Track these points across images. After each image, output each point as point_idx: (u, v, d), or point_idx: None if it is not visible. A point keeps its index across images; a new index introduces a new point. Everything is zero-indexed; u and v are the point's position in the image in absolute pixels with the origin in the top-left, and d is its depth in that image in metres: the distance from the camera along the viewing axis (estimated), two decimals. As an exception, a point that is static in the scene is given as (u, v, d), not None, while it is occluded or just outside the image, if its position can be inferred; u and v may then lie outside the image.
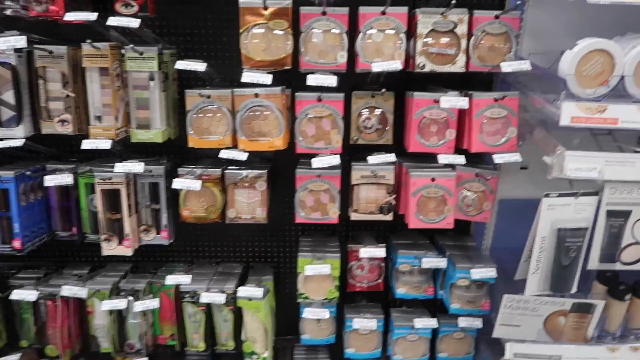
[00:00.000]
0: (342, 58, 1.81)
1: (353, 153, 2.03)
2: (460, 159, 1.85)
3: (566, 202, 1.64)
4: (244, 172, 1.94)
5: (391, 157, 1.87)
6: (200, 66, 1.71)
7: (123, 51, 1.81)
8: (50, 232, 2.07)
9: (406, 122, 1.96)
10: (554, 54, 1.94)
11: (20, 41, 1.67)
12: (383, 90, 1.96)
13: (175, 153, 2.13)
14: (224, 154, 1.81)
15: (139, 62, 1.81)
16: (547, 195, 1.63)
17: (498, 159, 1.81)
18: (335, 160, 1.84)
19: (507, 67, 1.72)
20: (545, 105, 1.72)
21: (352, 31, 1.82)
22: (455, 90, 1.89)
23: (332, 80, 1.70)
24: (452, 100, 1.76)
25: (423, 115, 1.86)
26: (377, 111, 2.00)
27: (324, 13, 1.78)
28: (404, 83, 2.01)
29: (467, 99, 1.78)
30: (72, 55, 1.82)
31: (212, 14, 2.04)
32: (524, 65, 1.71)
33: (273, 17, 1.76)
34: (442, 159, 1.85)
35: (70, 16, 1.64)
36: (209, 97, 1.86)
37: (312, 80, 1.71)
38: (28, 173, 1.93)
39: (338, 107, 1.84)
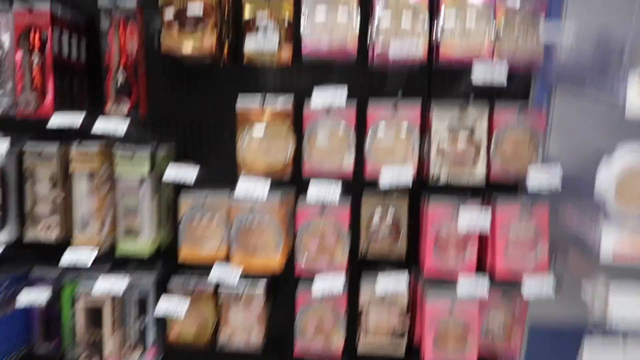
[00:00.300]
0: (349, 161, 1.64)
1: (362, 264, 1.81)
2: (483, 288, 1.60)
3: (613, 345, 1.37)
4: (240, 289, 1.74)
5: (403, 279, 1.64)
6: (191, 173, 1.56)
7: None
8: (29, 344, 1.88)
9: (421, 235, 1.74)
10: (586, 155, 1.73)
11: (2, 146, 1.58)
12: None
13: (170, 258, 1.95)
14: (216, 272, 1.62)
15: (129, 165, 1.68)
16: (588, 338, 1.37)
17: (528, 286, 1.55)
18: (339, 282, 1.61)
19: (535, 180, 1.50)
20: (580, 225, 1.49)
21: (360, 131, 1.66)
22: (477, 197, 1.69)
23: (335, 194, 1.52)
24: (473, 217, 1.54)
25: (440, 229, 1.64)
26: (390, 217, 1.80)
27: (328, 112, 1.63)
28: (419, 183, 1.81)
29: (489, 216, 1.55)
30: (63, 153, 1.71)
31: (213, 109, 1.91)
32: (554, 179, 1.49)
33: (273, 119, 1.62)
34: (462, 287, 1.60)
35: (56, 121, 1.53)
36: (204, 203, 1.70)
37: (314, 193, 1.52)
38: (7, 283, 1.78)
39: (343, 219, 1.65)
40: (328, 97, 1.46)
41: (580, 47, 1.61)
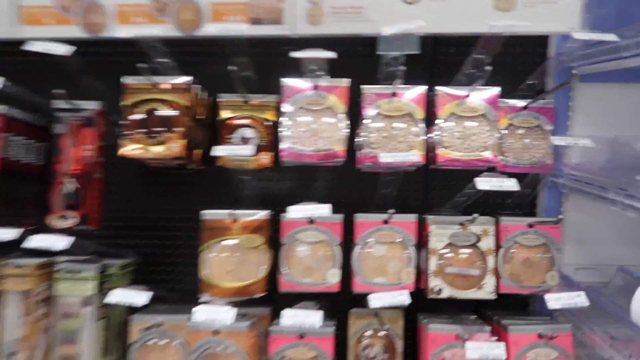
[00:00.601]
0: (334, 277, 1.41)
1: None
2: None
3: None
4: None
5: None
6: (140, 297, 1.30)
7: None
8: None
9: (421, 362, 1.47)
10: (604, 268, 1.52)
11: None
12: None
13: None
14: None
15: (72, 284, 1.42)
16: None
17: None
18: None
19: (555, 302, 1.26)
20: (612, 353, 1.24)
21: (347, 242, 1.44)
22: (479, 315, 1.45)
23: (315, 320, 1.26)
24: (483, 348, 1.28)
25: (442, 357, 1.38)
26: (382, 335, 1.53)
27: (311, 222, 1.42)
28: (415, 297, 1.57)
29: (502, 345, 1.29)
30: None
31: (180, 217, 1.69)
32: (580, 300, 1.26)
33: (245, 231, 1.40)
34: None
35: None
36: (160, 326, 1.43)
37: (289, 319, 1.26)
38: None
39: (326, 347, 1.37)
40: (307, 212, 1.24)
41: (593, 151, 1.46)
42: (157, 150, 1.34)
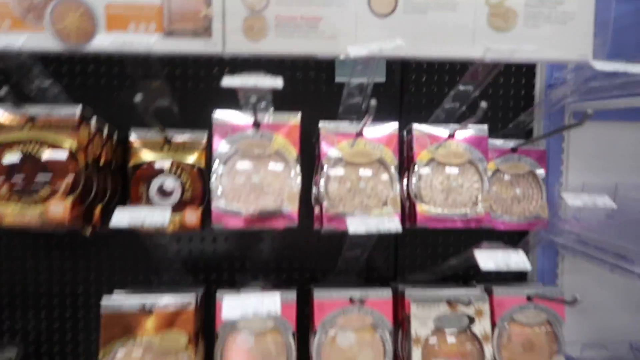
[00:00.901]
0: (287, 378, 1.05)
1: None
2: None
3: None
4: None
5: None
6: None
7: None
8: None
9: None
10: (612, 345, 1.29)
11: None
12: None
13: None
14: None
15: None
16: None
17: None
18: None
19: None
20: None
21: (304, 330, 1.09)
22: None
23: None
24: None
25: None
26: None
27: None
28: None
29: None
30: None
31: (74, 301, 1.25)
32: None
33: (162, 326, 1.00)
34: None
35: None
36: None
37: None
38: None
39: None
40: (249, 308, 0.87)
41: (590, 208, 1.20)
42: (31, 213, 0.92)
